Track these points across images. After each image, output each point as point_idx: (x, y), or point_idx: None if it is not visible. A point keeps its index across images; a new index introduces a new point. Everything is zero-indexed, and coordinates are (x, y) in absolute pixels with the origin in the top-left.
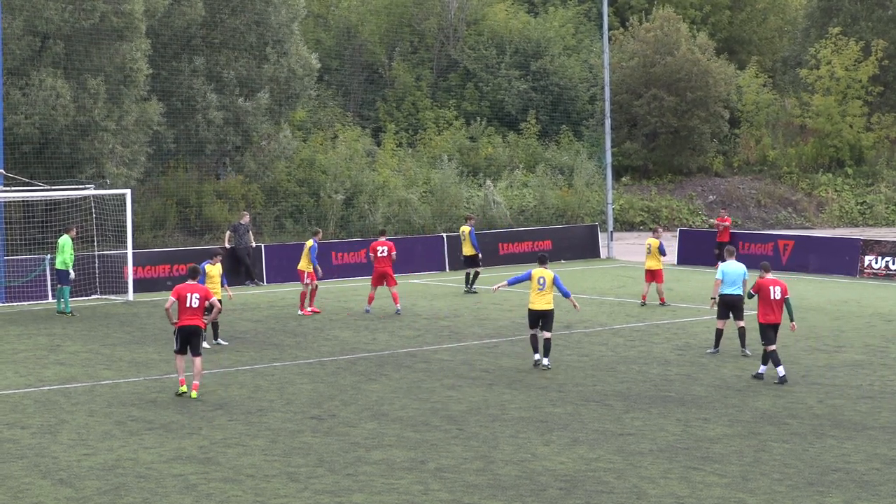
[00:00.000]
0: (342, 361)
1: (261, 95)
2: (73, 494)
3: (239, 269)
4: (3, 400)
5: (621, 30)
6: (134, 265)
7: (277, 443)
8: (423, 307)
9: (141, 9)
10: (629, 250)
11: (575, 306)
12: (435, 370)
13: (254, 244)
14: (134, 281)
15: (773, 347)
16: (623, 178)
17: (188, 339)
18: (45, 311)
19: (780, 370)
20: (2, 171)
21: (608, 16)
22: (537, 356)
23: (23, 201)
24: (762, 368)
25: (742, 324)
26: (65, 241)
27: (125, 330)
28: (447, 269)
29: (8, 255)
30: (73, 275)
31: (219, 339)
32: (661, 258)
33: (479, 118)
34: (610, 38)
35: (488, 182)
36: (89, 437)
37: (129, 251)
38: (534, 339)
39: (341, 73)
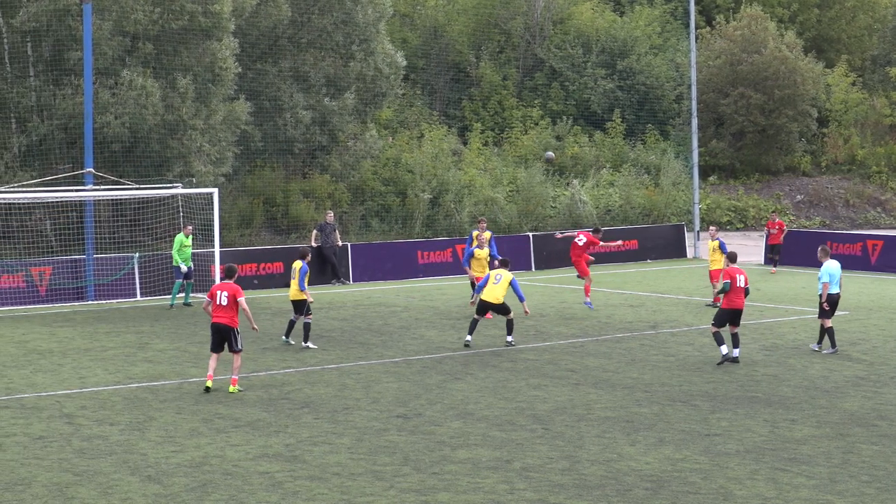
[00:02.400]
0: (428, 360)
1: (347, 95)
2: (161, 491)
3: (325, 268)
4: (92, 397)
5: (708, 28)
6: (221, 263)
7: (363, 441)
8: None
9: (229, 9)
10: None
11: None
12: (520, 369)
13: (340, 243)
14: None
15: (734, 329)
16: (710, 178)
17: (220, 337)
18: (133, 309)
19: (736, 352)
20: (91, 170)
21: (694, 14)
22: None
23: (112, 200)
24: (736, 352)
25: (830, 323)
26: (177, 238)
27: None
28: (533, 269)
29: (97, 254)
30: (184, 267)
31: (308, 343)
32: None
33: (564, 117)
34: (696, 37)
35: (574, 181)
36: (177, 434)
37: (217, 249)
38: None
39: (427, 72)
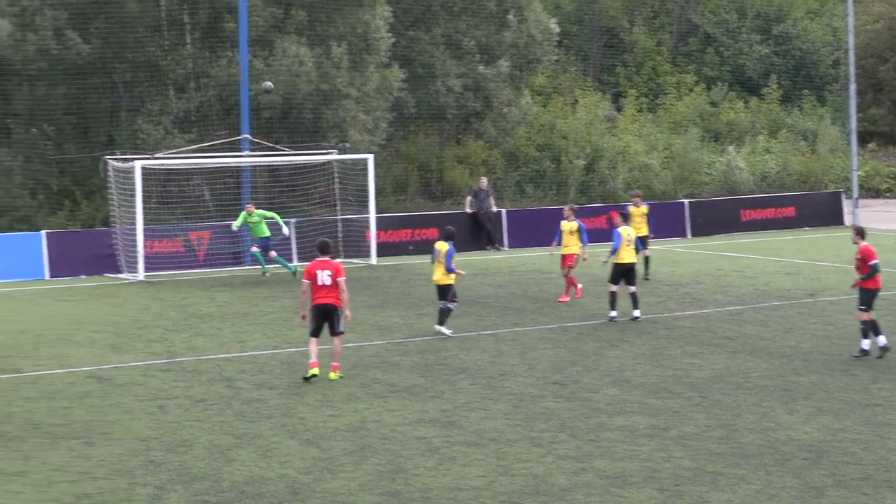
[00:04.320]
0: (583, 327)
1: (501, 62)
2: (320, 454)
3: (479, 234)
4: (251, 361)
5: None
6: (376, 229)
7: (519, 407)
8: (664, 273)
9: None
10: (874, 217)
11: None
12: (676, 337)
13: (494, 209)
14: (377, 245)
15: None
16: (869, 145)
17: (323, 319)
18: (290, 274)
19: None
20: (248, 136)
21: None
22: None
23: (268, 166)
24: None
25: None
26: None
27: (368, 293)
28: (688, 236)
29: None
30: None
31: (441, 328)
32: None
33: (719, 83)
34: (854, 1)
35: (730, 148)
36: (334, 398)
37: (372, 215)
38: None
39: (580, 38)
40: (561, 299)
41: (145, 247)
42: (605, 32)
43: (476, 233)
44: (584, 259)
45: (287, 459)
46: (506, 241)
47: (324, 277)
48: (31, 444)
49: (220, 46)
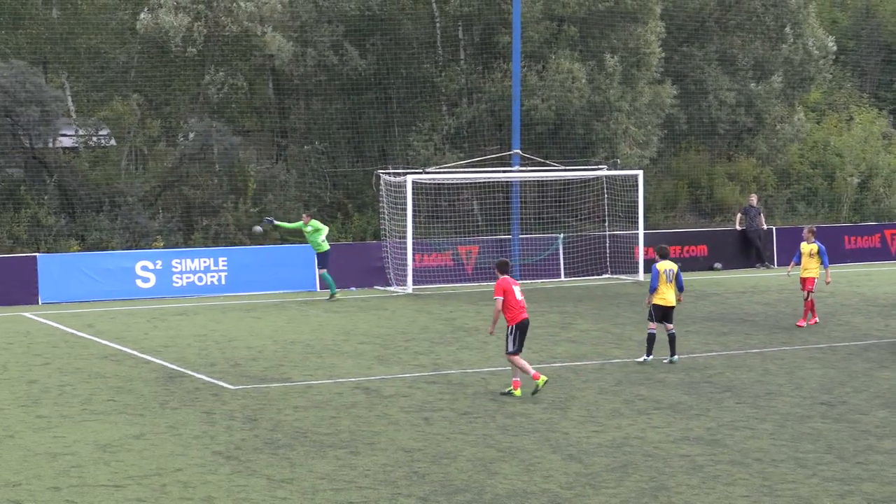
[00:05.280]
0: (854, 347)
1: (774, 78)
2: (582, 470)
3: (749, 252)
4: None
5: None
6: (645, 245)
7: (785, 427)
8: None
9: None
10: None
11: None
12: None
13: (765, 226)
14: (644, 261)
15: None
16: None
17: (524, 334)
18: (557, 290)
19: None
20: (518, 151)
21: None
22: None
23: (537, 181)
24: None
25: None
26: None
27: (635, 310)
28: None
29: (522, 234)
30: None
31: (672, 358)
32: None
33: None
34: None
35: None
36: (598, 414)
37: (640, 231)
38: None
39: (858, 53)
40: (798, 323)
41: (414, 260)
42: (884, 47)
43: (746, 250)
44: (827, 283)
45: (549, 474)
46: (776, 259)
47: (518, 293)
48: (298, 451)
49: (493, 61)
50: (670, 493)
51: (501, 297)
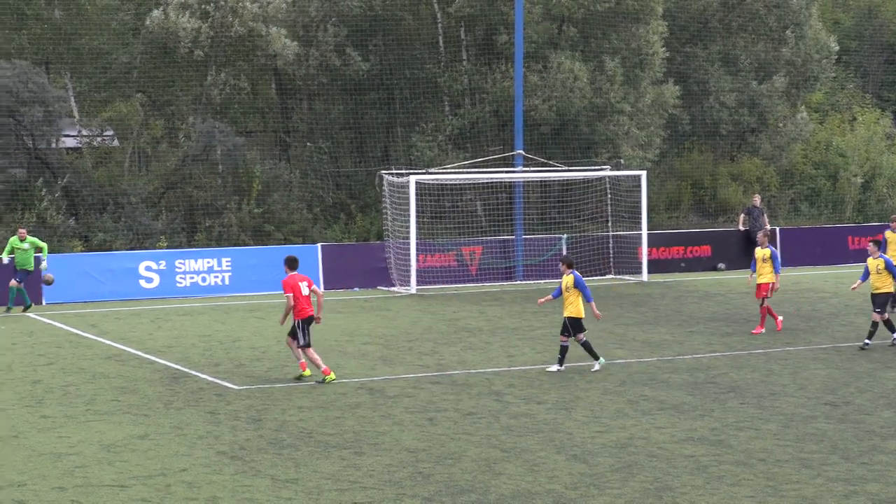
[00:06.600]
0: (857, 348)
1: (776, 79)
2: (587, 470)
3: (752, 252)
4: (520, 375)
5: None
6: (648, 246)
7: (790, 428)
8: None
9: None
10: None
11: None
12: None
13: (768, 227)
14: (648, 262)
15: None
16: None
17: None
18: None
19: None
20: (521, 152)
21: None
22: None
23: (540, 182)
24: None
25: None
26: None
27: (638, 310)
28: None
29: (526, 234)
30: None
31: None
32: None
33: None
34: None
35: None
36: (602, 414)
37: (644, 232)
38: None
39: (860, 53)
40: (754, 331)
41: (418, 260)
42: (886, 48)
43: (749, 251)
44: (775, 289)
45: (554, 475)
46: (779, 259)
47: (305, 290)
48: (303, 452)
49: (495, 61)
50: (675, 494)
51: (292, 294)
